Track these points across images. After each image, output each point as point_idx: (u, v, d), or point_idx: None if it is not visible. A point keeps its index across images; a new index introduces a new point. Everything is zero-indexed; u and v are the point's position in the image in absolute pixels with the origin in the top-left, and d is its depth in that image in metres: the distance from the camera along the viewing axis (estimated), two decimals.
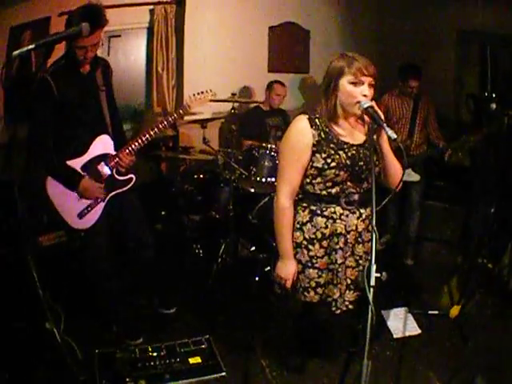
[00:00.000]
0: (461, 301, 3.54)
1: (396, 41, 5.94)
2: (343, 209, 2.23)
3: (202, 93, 3.03)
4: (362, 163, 2.17)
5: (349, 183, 2.19)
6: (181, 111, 2.96)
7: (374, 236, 1.70)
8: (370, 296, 1.60)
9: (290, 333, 2.89)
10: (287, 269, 2.28)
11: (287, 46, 5.78)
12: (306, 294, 2.32)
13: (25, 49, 1.73)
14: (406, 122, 4.38)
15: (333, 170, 2.14)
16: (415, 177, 4.26)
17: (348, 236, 2.25)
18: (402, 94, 4.39)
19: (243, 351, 3.03)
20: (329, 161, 2.14)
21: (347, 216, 2.24)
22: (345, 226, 2.24)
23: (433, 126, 4.43)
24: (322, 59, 5.78)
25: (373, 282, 1.62)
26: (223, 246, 4.05)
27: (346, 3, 6.01)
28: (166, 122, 2.89)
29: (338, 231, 2.23)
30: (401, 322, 3.39)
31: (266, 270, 3.78)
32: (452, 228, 4.86)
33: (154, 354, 2.83)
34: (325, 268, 2.29)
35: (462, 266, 4.22)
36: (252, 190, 3.95)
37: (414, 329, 3.34)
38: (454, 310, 3.48)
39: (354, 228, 2.25)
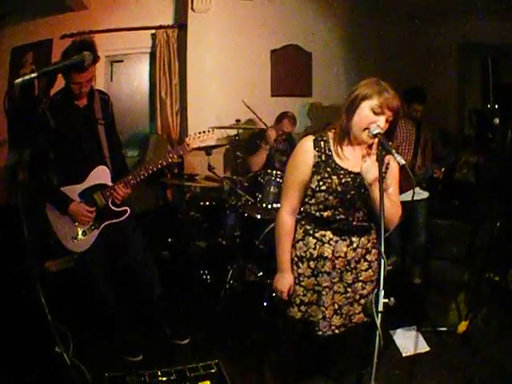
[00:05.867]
0: (468, 316, 3.55)
1: (398, 61, 5.96)
2: (333, 234, 2.24)
3: (204, 132, 3.07)
4: (354, 192, 2.17)
5: (340, 209, 2.20)
6: (180, 150, 3.03)
7: (382, 262, 1.71)
8: (378, 321, 1.63)
9: (294, 354, 2.87)
10: (284, 281, 2.32)
11: (289, 68, 5.80)
12: (290, 308, 2.37)
13: (27, 77, 1.77)
14: (410, 145, 4.38)
15: (322, 194, 2.16)
16: (424, 194, 4.28)
17: (336, 261, 2.25)
18: (406, 117, 4.38)
19: (252, 375, 3.05)
20: (321, 184, 2.16)
21: (336, 242, 2.24)
22: (332, 251, 2.24)
23: (431, 150, 4.45)
24: (324, 82, 5.89)
25: (381, 308, 1.65)
26: (230, 272, 4.06)
27: (348, 25, 6.04)
28: (163, 160, 2.96)
29: (325, 255, 2.24)
30: (409, 341, 3.40)
31: (274, 294, 3.77)
32: (458, 245, 4.88)
33: (164, 379, 2.82)
34: (310, 288, 2.31)
35: (469, 282, 4.23)
36: (258, 217, 3.98)
37: (422, 346, 3.36)
38: (462, 326, 3.48)
39: (342, 255, 2.25)
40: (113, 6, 5.28)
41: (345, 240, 2.25)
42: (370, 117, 2.05)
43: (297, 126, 5.02)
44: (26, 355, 3.04)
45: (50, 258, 4.05)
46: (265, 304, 3.78)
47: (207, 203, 4.60)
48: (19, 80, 1.76)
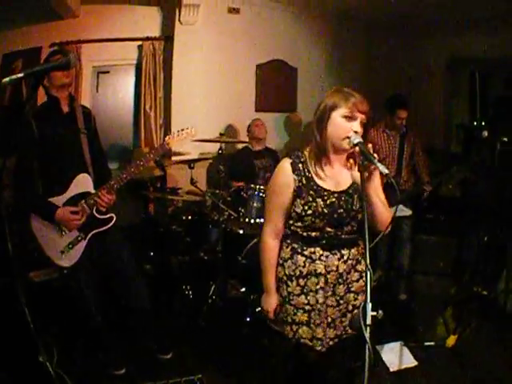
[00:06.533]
0: (457, 330, 3.55)
1: (385, 77, 6.00)
2: (323, 250, 2.22)
3: (182, 130, 3.03)
4: (341, 210, 2.15)
5: (328, 229, 2.18)
6: (160, 150, 3.00)
7: (368, 274, 1.68)
8: (367, 335, 1.59)
9: (281, 370, 2.84)
10: (269, 302, 2.34)
11: (275, 83, 5.80)
12: (284, 326, 2.35)
13: (14, 76, 1.77)
14: (394, 158, 4.38)
15: (309, 217, 2.14)
16: (407, 211, 4.25)
17: (328, 276, 2.23)
18: (389, 129, 4.38)
19: None
20: (306, 208, 2.14)
21: (327, 257, 2.22)
22: (325, 266, 2.22)
23: (420, 161, 4.47)
24: (309, 97, 5.88)
25: (369, 321, 1.61)
26: (213, 288, 4.01)
27: (334, 40, 6.09)
28: (145, 161, 2.92)
29: (318, 271, 2.22)
30: (396, 356, 3.38)
31: (257, 310, 3.73)
32: (444, 260, 4.88)
33: None
34: (300, 307, 2.28)
35: (456, 296, 4.23)
36: (241, 232, 3.93)
37: (410, 361, 3.34)
38: (451, 340, 3.48)
39: (334, 269, 2.23)
40: (102, 16, 5.27)
41: (335, 254, 2.22)
42: (343, 124, 2.04)
43: (280, 140, 4.99)
44: (9, 364, 3.00)
45: (35, 269, 3.99)
46: (248, 319, 3.73)
47: (189, 217, 4.55)
48: (6, 79, 1.75)
